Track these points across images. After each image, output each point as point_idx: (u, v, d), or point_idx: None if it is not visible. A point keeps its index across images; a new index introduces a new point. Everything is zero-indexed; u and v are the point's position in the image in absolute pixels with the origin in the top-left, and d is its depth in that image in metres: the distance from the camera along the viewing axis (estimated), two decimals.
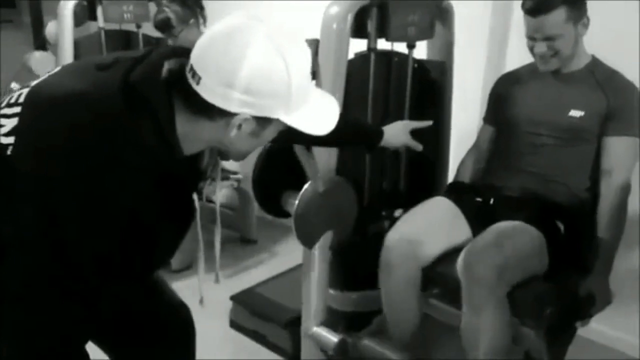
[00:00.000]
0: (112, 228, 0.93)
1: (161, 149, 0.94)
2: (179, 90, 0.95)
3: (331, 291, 2.00)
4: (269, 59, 0.92)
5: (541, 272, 1.58)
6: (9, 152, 0.92)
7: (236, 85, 0.91)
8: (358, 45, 1.79)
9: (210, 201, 1.50)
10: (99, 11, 2.51)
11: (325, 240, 1.76)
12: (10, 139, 0.92)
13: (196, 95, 0.93)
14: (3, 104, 0.99)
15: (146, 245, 0.99)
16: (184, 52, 0.98)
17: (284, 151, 1.75)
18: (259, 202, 1.79)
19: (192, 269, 2.68)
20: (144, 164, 0.93)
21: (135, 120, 0.92)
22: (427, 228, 1.65)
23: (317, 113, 1.02)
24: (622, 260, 1.67)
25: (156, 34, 2.54)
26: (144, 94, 0.93)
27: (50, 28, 2.68)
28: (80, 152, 0.91)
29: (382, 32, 1.78)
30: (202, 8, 2.49)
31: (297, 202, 1.63)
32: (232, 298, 2.19)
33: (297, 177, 1.72)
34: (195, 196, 1.10)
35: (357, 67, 1.78)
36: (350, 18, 1.68)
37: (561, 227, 1.63)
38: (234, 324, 2.20)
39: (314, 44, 1.77)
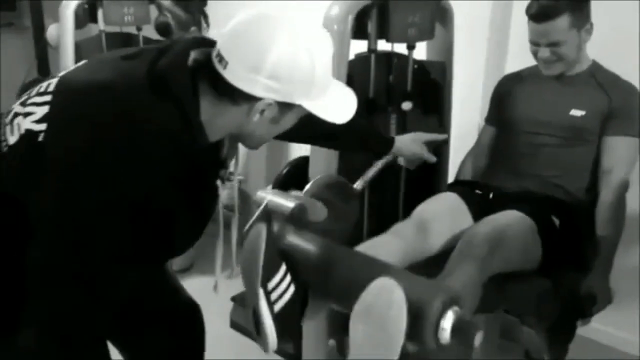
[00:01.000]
0: (136, 211, 0.96)
1: (185, 134, 0.97)
2: (204, 76, 0.99)
3: None
4: (295, 46, 0.96)
5: (534, 264, 1.57)
6: (40, 139, 0.96)
7: (262, 70, 0.95)
8: (357, 47, 1.80)
9: None
10: (100, 14, 2.51)
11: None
12: (42, 126, 0.97)
13: (222, 80, 0.97)
14: (33, 93, 1.03)
15: (169, 229, 1.02)
16: (209, 43, 1.03)
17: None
18: None
19: (192, 269, 2.69)
20: (168, 150, 0.96)
21: (161, 106, 0.95)
22: (434, 219, 1.62)
23: (337, 102, 1.07)
24: (622, 259, 1.68)
25: (157, 36, 2.54)
26: (170, 80, 0.96)
27: (51, 31, 2.68)
28: (106, 138, 0.94)
29: (383, 33, 1.78)
30: (205, 15, 2.49)
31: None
32: (233, 299, 2.19)
33: (301, 180, 1.72)
34: (218, 183, 1.12)
35: (357, 68, 1.78)
36: (350, 19, 1.69)
37: (556, 222, 1.62)
38: (235, 325, 2.20)
39: None
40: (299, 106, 1.01)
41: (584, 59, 1.70)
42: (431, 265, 1.65)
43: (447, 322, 1.05)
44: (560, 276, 1.58)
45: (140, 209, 0.96)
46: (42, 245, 0.96)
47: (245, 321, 2.15)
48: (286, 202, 1.25)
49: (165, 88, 0.96)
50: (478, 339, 1.06)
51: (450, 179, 1.99)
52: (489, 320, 1.77)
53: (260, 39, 0.95)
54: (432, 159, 1.73)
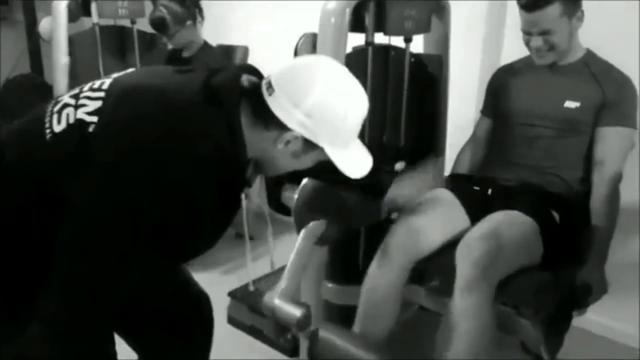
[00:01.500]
0: (168, 216, 0.99)
1: (230, 147, 1.04)
2: (248, 99, 1.07)
3: (329, 284, 2.02)
4: (335, 95, 1.06)
5: (536, 261, 1.59)
6: (90, 130, 1.01)
7: (301, 106, 1.04)
8: (354, 40, 1.80)
9: None
10: (94, 7, 2.50)
11: (313, 229, 1.73)
12: (94, 118, 1.02)
13: (264, 106, 1.05)
14: (86, 88, 1.09)
15: (196, 230, 1.05)
16: (256, 71, 1.15)
17: None
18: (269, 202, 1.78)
19: (191, 264, 2.67)
20: (212, 157, 1.01)
21: (213, 119, 1.02)
22: (430, 220, 1.65)
23: (354, 158, 1.15)
24: (620, 250, 1.69)
25: (151, 30, 2.53)
26: (223, 95, 1.04)
27: (44, 24, 2.66)
28: (155, 138, 0.98)
29: (380, 26, 1.78)
30: (200, 9, 2.48)
31: (296, 195, 1.63)
32: (230, 294, 2.18)
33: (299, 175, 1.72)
34: (243, 196, 1.16)
35: (354, 61, 1.78)
36: (348, 12, 1.69)
37: (556, 217, 1.64)
38: (232, 320, 2.19)
39: (312, 38, 1.78)
40: (321, 150, 1.08)
41: (576, 47, 1.71)
42: (424, 265, 1.68)
43: None
44: (558, 268, 1.60)
45: (173, 215, 0.99)
46: (76, 224, 0.98)
47: (243, 316, 2.17)
48: (293, 311, 1.32)
49: (217, 102, 1.03)
50: None
51: (447, 171, 2.00)
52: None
53: (309, 80, 1.05)
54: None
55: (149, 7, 2.52)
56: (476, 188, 1.75)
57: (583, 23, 1.66)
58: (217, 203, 1.06)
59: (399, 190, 1.67)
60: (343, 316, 1.93)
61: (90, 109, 1.03)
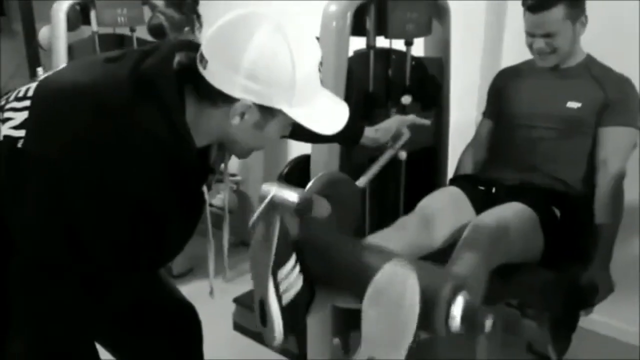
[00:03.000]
0: (122, 216, 0.93)
1: (170, 138, 0.94)
2: (189, 79, 0.96)
3: None
4: (274, 46, 0.93)
5: (537, 255, 1.58)
6: (19, 145, 0.93)
7: (239, 69, 0.92)
8: (355, 44, 1.80)
9: (210, 205, 1.49)
10: (93, 15, 2.49)
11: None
12: (21, 132, 0.94)
13: (203, 81, 0.94)
14: (11, 98, 1.00)
15: (156, 236, 0.99)
16: (195, 46, 1.00)
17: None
18: None
19: (192, 273, 2.67)
20: (153, 153, 0.93)
21: (145, 109, 0.92)
22: (438, 213, 1.63)
23: (324, 112, 1.02)
24: (623, 250, 1.69)
25: (151, 38, 2.53)
26: (154, 82, 0.93)
27: (43, 33, 2.66)
28: (89, 142, 0.91)
29: (381, 30, 1.79)
30: (198, 15, 2.48)
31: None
32: (235, 300, 2.17)
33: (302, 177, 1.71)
34: (205, 189, 1.09)
35: (357, 64, 1.79)
36: (349, 15, 1.69)
37: (557, 213, 1.63)
38: (238, 326, 2.19)
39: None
40: (282, 113, 0.97)
41: (578, 51, 1.72)
42: (435, 259, 1.66)
43: (457, 308, 1.05)
44: (562, 267, 1.59)
45: (125, 215, 0.93)
46: (27, 252, 0.93)
47: (248, 322, 2.16)
48: (292, 195, 1.25)
49: (149, 90, 0.93)
50: (488, 325, 1.06)
51: (449, 173, 2.00)
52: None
53: (239, 38, 0.93)
54: (400, 142, 1.67)
55: (148, 15, 2.52)
56: (481, 188, 1.75)
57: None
58: (174, 201, 0.97)
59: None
60: (347, 317, 1.93)
61: (16, 122, 0.95)
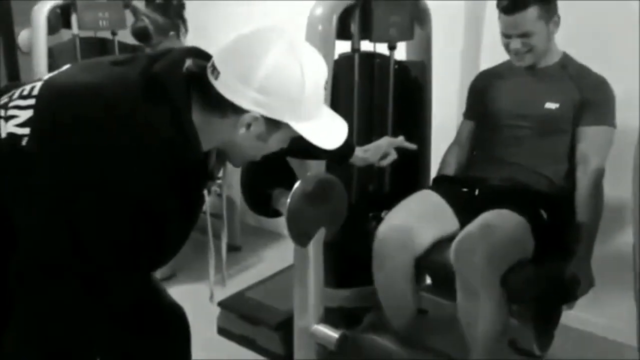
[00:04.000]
0: (125, 216, 0.93)
1: (179, 139, 0.95)
2: (197, 85, 0.98)
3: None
4: (287, 63, 0.96)
5: (528, 257, 1.63)
6: (24, 143, 0.93)
7: (252, 82, 0.95)
8: (339, 48, 1.83)
9: None
10: (74, 18, 2.47)
11: (319, 237, 1.76)
12: (25, 130, 0.94)
13: (213, 91, 0.96)
14: (15, 96, 0.99)
15: (157, 236, 0.99)
16: (204, 54, 1.04)
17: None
18: (248, 204, 1.79)
19: (175, 277, 2.65)
20: (161, 154, 0.94)
21: (153, 111, 0.94)
22: (417, 218, 1.69)
23: (326, 127, 1.05)
24: (603, 246, 1.74)
25: (133, 41, 2.51)
26: (165, 85, 0.95)
27: (23, 36, 2.63)
28: (96, 142, 0.92)
29: (366, 33, 1.82)
30: (184, 20, 2.47)
31: (289, 200, 1.64)
32: (220, 304, 2.16)
33: (286, 177, 1.73)
34: (205, 192, 1.10)
35: (342, 68, 1.82)
36: (335, 19, 1.72)
37: (544, 214, 1.68)
38: (222, 331, 2.17)
39: None
40: (287, 126, 1.00)
41: (554, 50, 1.78)
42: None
43: None
44: (546, 263, 1.64)
45: (128, 214, 0.94)
46: (28, 250, 0.93)
47: (233, 326, 2.15)
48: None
49: (159, 93, 0.94)
50: None
51: (433, 173, 2.04)
52: None
53: (253, 52, 0.96)
54: (387, 162, 1.72)
55: (130, 19, 2.51)
56: (464, 189, 1.79)
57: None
58: (176, 203, 0.98)
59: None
60: (335, 319, 1.94)
61: (21, 120, 0.95)
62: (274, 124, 1.00)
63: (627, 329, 1.85)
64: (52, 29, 2.43)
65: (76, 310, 0.97)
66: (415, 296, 1.76)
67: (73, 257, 0.93)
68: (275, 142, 1.05)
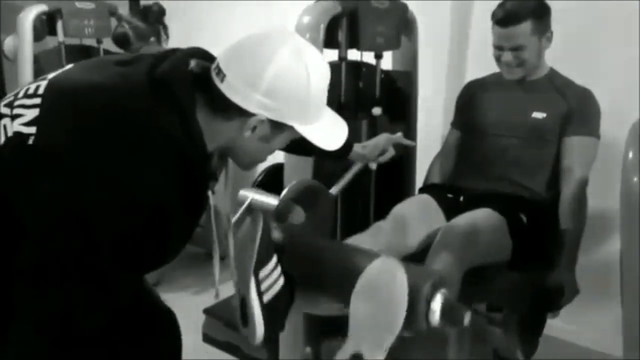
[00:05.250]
0: (131, 215, 0.93)
1: (186, 138, 0.95)
2: (201, 87, 0.98)
3: None
4: (293, 67, 0.97)
5: (505, 258, 1.63)
6: (30, 142, 0.92)
7: (258, 86, 0.95)
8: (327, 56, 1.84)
9: None
10: (59, 25, 2.47)
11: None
12: (32, 129, 0.93)
13: (218, 93, 0.97)
14: (20, 94, 0.99)
15: (161, 236, 0.99)
16: (207, 55, 1.04)
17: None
18: None
19: (159, 285, 2.62)
20: (167, 153, 0.94)
21: (159, 111, 0.94)
22: (411, 218, 1.67)
23: (328, 129, 1.07)
24: (590, 257, 1.75)
25: (118, 49, 2.51)
26: (171, 85, 0.95)
27: (8, 43, 2.60)
28: (105, 141, 0.91)
29: (353, 42, 1.84)
30: (164, 26, 2.47)
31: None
32: (205, 311, 2.14)
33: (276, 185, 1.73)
34: (210, 193, 1.10)
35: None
36: (322, 28, 1.73)
37: (524, 219, 1.69)
38: (207, 338, 2.15)
39: None
40: (290, 128, 1.01)
41: (543, 65, 1.81)
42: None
43: (437, 304, 1.08)
44: (529, 270, 1.65)
45: (136, 214, 0.93)
46: (35, 246, 0.93)
47: (218, 333, 2.13)
48: (270, 200, 1.27)
49: (166, 92, 0.95)
50: (467, 318, 1.10)
51: (418, 182, 2.05)
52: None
53: (260, 56, 0.96)
54: (384, 159, 1.71)
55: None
56: (449, 195, 1.80)
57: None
58: (181, 203, 0.98)
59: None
60: (326, 321, 1.93)
61: (27, 119, 0.94)
62: (278, 127, 1.01)
63: (612, 340, 1.88)
64: (37, 36, 2.42)
65: (82, 309, 0.96)
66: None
67: (80, 256, 0.92)
68: (278, 144, 1.07)
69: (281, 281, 1.17)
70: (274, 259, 1.16)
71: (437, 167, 1.96)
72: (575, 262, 1.66)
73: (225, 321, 2.09)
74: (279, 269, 1.17)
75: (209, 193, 1.08)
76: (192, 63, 1.01)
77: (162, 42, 2.46)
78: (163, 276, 2.63)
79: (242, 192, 1.32)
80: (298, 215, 1.41)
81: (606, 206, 1.82)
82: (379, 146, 1.67)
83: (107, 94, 0.95)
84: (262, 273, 1.13)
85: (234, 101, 0.96)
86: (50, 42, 2.60)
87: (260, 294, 1.13)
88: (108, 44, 2.62)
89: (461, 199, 1.80)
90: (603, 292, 1.77)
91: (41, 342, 0.95)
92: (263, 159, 1.12)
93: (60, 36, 2.49)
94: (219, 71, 0.97)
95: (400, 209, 1.70)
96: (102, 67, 1.03)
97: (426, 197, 1.78)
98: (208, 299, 2.30)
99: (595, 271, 1.92)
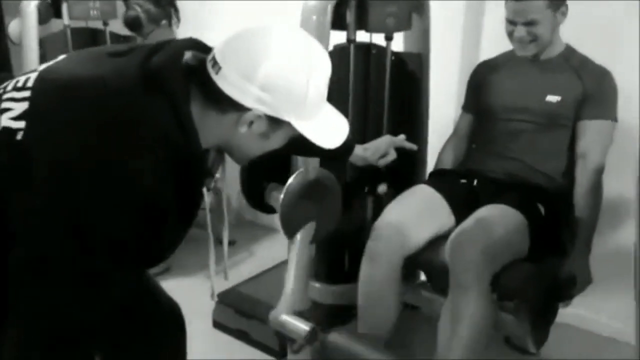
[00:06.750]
0: (124, 211, 0.91)
1: (179, 133, 0.93)
2: (196, 79, 0.95)
3: (316, 284, 2.01)
4: (292, 61, 0.94)
5: (523, 254, 1.61)
6: (19, 137, 0.90)
7: (255, 79, 0.92)
8: (335, 38, 1.79)
9: None
10: (64, 8, 2.43)
11: (308, 231, 1.73)
12: (21, 124, 0.91)
13: (213, 86, 0.93)
14: (9, 87, 0.97)
15: (158, 230, 0.97)
16: (203, 47, 1.00)
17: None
18: (246, 199, 1.76)
19: (169, 272, 2.63)
20: (160, 147, 0.91)
21: (151, 104, 0.91)
22: (413, 217, 1.66)
23: (328, 126, 1.03)
24: (601, 243, 1.71)
25: (124, 31, 2.48)
26: (164, 78, 0.92)
27: (13, 27, 2.58)
28: (97, 136, 0.89)
29: (361, 23, 1.78)
30: (176, 9, 2.44)
31: (282, 195, 1.62)
32: (217, 296, 2.15)
33: (282, 172, 1.70)
34: (204, 189, 1.09)
35: (336, 59, 1.78)
36: (330, 9, 1.68)
37: (542, 209, 1.66)
38: (217, 324, 2.16)
39: None
40: (288, 124, 0.98)
41: (557, 42, 1.73)
42: (412, 260, 1.68)
43: None
44: (543, 260, 1.61)
45: (130, 211, 0.91)
46: (28, 245, 0.91)
47: (228, 320, 2.14)
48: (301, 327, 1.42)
49: (159, 85, 0.92)
50: None
51: (429, 167, 2.01)
52: None
53: (257, 48, 0.93)
54: (385, 162, 1.69)
55: (121, 9, 2.47)
56: (463, 181, 1.76)
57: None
58: (176, 199, 0.96)
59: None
60: (329, 315, 1.93)
61: (15, 112, 0.92)
62: (275, 123, 0.98)
63: (625, 327, 1.85)
64: (42, 19, 2.39)
65: (76, 306, 0.94)
66: (399, 299, 1.70)
67: (73, 252, 0.90)
68: (276, 141, 1.03)
69: None
70: None
71: (448, 152, 1.92)
72: (589, 251, 1.63)
73: (235, 308, 2.09)
74: None
75: (204, 189, 1.07)
76: (187, 55, 0.98)
77: (174, 25, 2.43)
78: (174, 261, 2.64)
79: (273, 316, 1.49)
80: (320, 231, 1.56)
81: (621, 191, 1.77)
82: (380, 149, 1.64)
83: (97, 88, 0.92)
84: None
85: (228, 94, 0.93)
86: (55, 25, 2.56)
87: None
88: (114, 26, 2.59)
89: (475, 182, 1.76)
90: (616, 278, 1.75)
91: (35, 343, 0.94)
92: (256, 155, 1.08)
93: (66, 19, 2.46)
94: (215, 63, 0.94)
95: (401, 208, 1.68)
96: (95, 59, 1.00)
97: (430, 192, 1.74)
98: (220, 284, 2.30)
99: (609, 257, 1.88)
